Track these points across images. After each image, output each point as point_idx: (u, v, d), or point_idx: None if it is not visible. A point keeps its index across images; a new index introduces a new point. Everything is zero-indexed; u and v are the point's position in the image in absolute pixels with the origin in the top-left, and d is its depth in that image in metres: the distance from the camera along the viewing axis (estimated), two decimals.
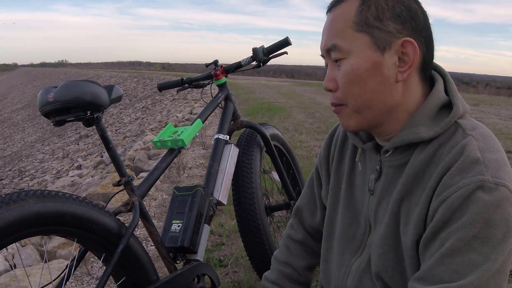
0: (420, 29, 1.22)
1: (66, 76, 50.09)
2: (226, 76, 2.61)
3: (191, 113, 11.77)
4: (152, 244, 3.38)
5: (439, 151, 1.19)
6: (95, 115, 1.66)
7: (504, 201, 1.06)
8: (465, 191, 1.07)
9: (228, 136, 2.44)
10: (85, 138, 15.35)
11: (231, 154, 2.37)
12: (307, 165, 5.79)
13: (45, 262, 3.08)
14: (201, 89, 2.69)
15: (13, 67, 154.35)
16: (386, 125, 1.29)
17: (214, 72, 2.56)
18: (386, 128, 1.29)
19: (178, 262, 2.02)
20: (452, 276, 1.07)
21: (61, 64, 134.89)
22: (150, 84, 28.03)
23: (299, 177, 3.17)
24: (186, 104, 14.45)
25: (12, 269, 3.11)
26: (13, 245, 3.21)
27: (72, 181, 7.45)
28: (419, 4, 1.24)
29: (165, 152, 2.12)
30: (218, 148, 2.36)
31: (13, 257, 3.27)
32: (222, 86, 2.59)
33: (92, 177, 6.92)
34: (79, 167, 9.41)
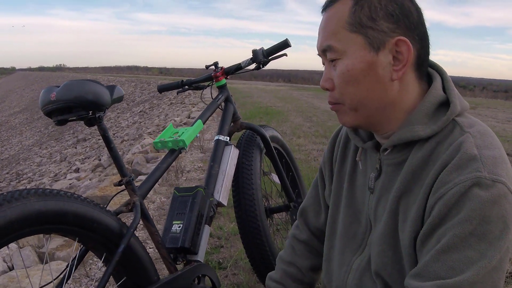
0: (414, 27, 1.22)
1: (64, 80, 49.55)
2: (226, 78, 2.61)
3: (189, 117, 11.77)
4: (152, 245, 3.39)
5: (437, 149, 1.20)
6: (97, 115, 1.66)
7: (501, 198, 1.06)
8: (462, 188, 1.07)
9: (228, 138, 2.44)
10: (82, 142, 15.33)
11: (231, 156, 2.37)
12: (305, 169, 5.79)
13: (46, 263, 3.07)
14: (201, 91, 2.69)
15: (11, 71, 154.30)
16: (383, 123, 1.29)
17: (214, 74, 2.56)
18: (384, 126, 1.30)
19: (178, 262, 2.02)
20: (448, 273, 1.07)
21: (59, 68, 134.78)
22: (147, 88, 28.02)
23: (299, 179, 3.17)
24: (184, 108, 14.44)
25: (9, 270, 3.10)
26: (12, 245, 3.22)
27: (70, 184, 7.44)
28: (412, 1, 1.25)
29: (163, 154, 2.12)
30: (218, 149, 2.35)
31: (11, 258, 3.26)
32: (222, 88, 2.60)
33: (90, 180, 6.92)
34: (77, 170, 9.40)
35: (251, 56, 2.52)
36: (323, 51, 1.30)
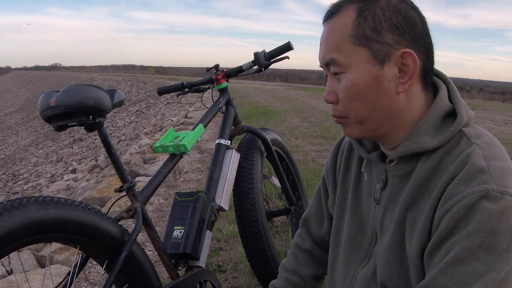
0: (419, 38, 1.20)
1: (59, 80, 50.01)
2: (227, 81, 2.59)
3: (186, 117, 11.75)
4: (150, 249, 3.37)
5: (444, 160, 1.18)
6: (97, 120, 1.64)
7: (509, 210, 1.05)
8: (470, 200, 1.06)
9: (229, 141, 2.43)
10: (79, 142, 15.30)
11: (232, 160, 2.36)
12: (303, 170, 5.79)
13: (46, 267, 3.05)
14: (201, 94, 2.67)
15: (7, 70, 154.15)
16: (389, 134, 1.28)
17: (215, 77, 2.54)
18: (390, 137, 1.28)
19: (180, 268, 2.00)
20: (457, 285, 1.06)
21: (55, 67, 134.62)
22: (144, 87, 28.02)
23: (299, 182, 3.16)
24: (181, 107, 14.43)
25: (8, 275, 3.08)
26: None
27: (67, 185, 7.41)
28: (417, 11, 1.22)
29: (161, 156, 2.10)
30: (219, 153, 2.34)
31: (10, 262, 3.23)
32: (223, 91, 2.58)
33: (87, 181, 6.89)
34: (73, 171, 9.38)
35: (252, 58, 2.51)
36: (326, 64, 1.27)
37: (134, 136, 11.36)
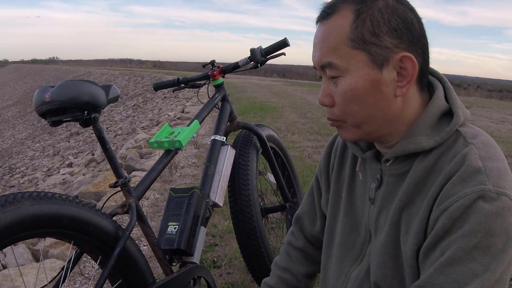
0: (416, 40, 1.19)
1: (57, 73, 49.88)
2: (223, 77, 2.59)
3: (182, 112, 11.73)
4: (145, 244, 3.37)
5: (440, 160, 1.18)
6: (92, 116, 1.64)
7: (505, 211, 1.05)
8: (466, 201, 1.06)
9: (224, 138, 2.43)
10: (75, 136, 15.27)
11: (227, 156, 2.36)
12: (299, 166, 5.79)
13: (40, 261, 3.05)
14: (197, 90, 2.67)
15: (4, 63, 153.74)
16: (386, 136, 1.27)
17: (211, 73, 2.54)
18: (386, 138, 1.28)
19: (174, 264, 2.01)
20: (452, 286, 1.06)
21: (52, 61, 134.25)
22: (141, 82, 27.94)
23: (294, 178, 3.16)
24: (178, 102, 14.40)
25: (3, 269, 3.08)
26: None
27: (63, 179, 7.40)
28: (414, 13, 1.21)
29: (157, 151, 2.10)
30: (214, 150, 2.34)
31: (5, 255, 3.23)
32: (219, 87, 2.58)
33: (83, 175, 6.88)
34: (70, 165, 9.36)
35: (248, 54, 2.51)
36: (321, 67, 1.25)
37: (130, 130, 11.34)
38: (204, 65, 2.63)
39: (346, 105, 1.23)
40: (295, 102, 15.14)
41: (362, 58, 1.18)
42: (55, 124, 1.64)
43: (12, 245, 3.32)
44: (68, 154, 11.76)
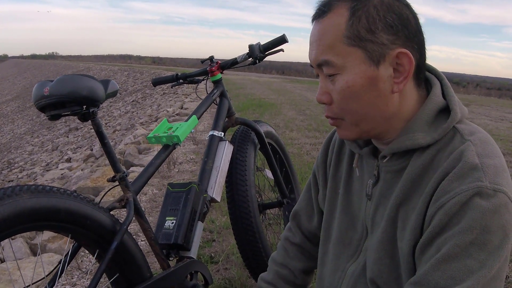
0: (412, 36, 1.19)
1: (56, 68, 49.83)
2: (221, 73, 2.60)
3: (181, 108, 11.73)
4: (143, 239, 3.38)
5: (437, 157, 1.18)
6: (90, 110, 1.64)
7: (502, 207, 1.06)
8: (463, 197, 1.06)
9: (222, 133, 2.43)
10: (74, 131, 15.27)
11: (225, 151, 2.36)
12: (298, 163, 5.79)
13: (38, 255, 3.05)
14: (195, 85, 2.67)
15: (3, 58, 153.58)
16: (384, 132, 1.27)
17: (210, 69, 2.54)
18: (384, 135, 1.28)
19: (171, 258, 2.01)
20: (448, 282, 1.06)
21: (52, 56, 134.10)
22: (140, 77, 27.92)
23: (292, 174, 3.17)
24: (177, 98, 14.40)
25: (1, 262, 3.09)
26: None
27: (62, 174, 7.41)
28: (410, 8, 1.21)
29: (156, 146, 2.11)
30: (212, 145, 2.34)
31: (3, 249, 3.24)
32: (217, 83, 2.58)
33: (82, 170, 6.89)
34: (68, 160, 9.37)
35: (247, 50, 2.51)
36: (318, 65, 1.25)
37: (129, 126, 11.35)
38: (203, 61, 2.63)
39: (344, 103, 1.24)
40: (293, 99, 15.13)
41: (358, 55, 1.18)
42: (53, 118, 1.64)
43: (10, 239, 3.33)
44: (67, 149, 11.77)
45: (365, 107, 1.22)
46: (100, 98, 1.64)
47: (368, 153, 1.36)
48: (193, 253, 2.03)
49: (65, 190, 1.50)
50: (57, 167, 8.76)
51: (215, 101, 2.54)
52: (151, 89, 19.57)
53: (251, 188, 2.50)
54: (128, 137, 8.49)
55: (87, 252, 3.16)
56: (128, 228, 1.67)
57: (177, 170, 5.67)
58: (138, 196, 1.86)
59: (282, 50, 2.50)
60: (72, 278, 2.94)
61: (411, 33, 1.19)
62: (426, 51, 1.25)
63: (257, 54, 2.48)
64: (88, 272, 2.97)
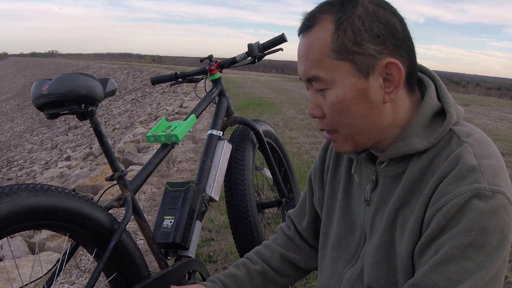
0: (400, 43, 1.18)
1: (56, 67, 49.80)
2: (220, 72, 2.60)
3: (181, 106, 11.73)
4: (141, 238, 3.38)
5: (435, 161, 1.18)
6: (89, 109, 1.63)
7: (500, 209, 1.06)
8: (461, 199, 1.06)
9: (221, 132, 2.43)
10: (74, 129, 15.27)
11: (224, 150, 2.36)
12: (297, 162, 5.79)
13: (36, 254, 3.05)
14: (194, 84, 2.67)
15: (3, 56, 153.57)
16: (380, 141, 1.27)
17: (209, 67, 2.54)
18: (380, 143, 1.28)
19: (169, 258, 2.01)
20: (446, 284, 1.06)
21: (51, 55, 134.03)
22: (140, 76, 27.91)
23: (291, 174, 3.17)
24: (176, 97, 14.39)
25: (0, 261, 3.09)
26: None
27: (61, 173, 7.41)
28: (396, 14, 1.19)
29: (155, 145, 2.11)
30: (211, 144, 2.34)
31: (1, 247, 3.24)
32: (216, 82, 2.58)
33: (81, 168, 6.89)
34: (68, 159, 9.37)
35: (246, 50, 2.51)
36: (308, 80, 1.25)
37: (129, 124, 11.34)
38: (202, 59, 2.63)
39: (337, 116, 1.23)
40: (293, 98, 15.11)
41: (347, 68, 1.17)
42: (52, 116, 1.64)
43: (9, 238, 3.32)
44: (66, 147, 11.77)
45: (358, 119, 1.22)
46: (98, 97, 1.63)
47: (366, 159, 1.36)
48: (192, 252, 2.03)
49: (63, 189, 1.50)
50: (56, 166, 8.76)
51: (214, 100, 2.54)
52: (151, 87, 19.56)
53: (250, 187, 2.51)
54: (127, 135, 8.49)
55: (85, 251, 3.17)
56: (127, 227, 1.66)
57: (176, 168, 5.67)
58: (136, 195, 1.86)
59: (281, 49, 2.51)
60: (71, 277, 2.94)
61: (398, 41, 1.17)
62: (416, 56, 1.24)
63: (256, 54, 2.48)
64: (86, 270, 2.97)
